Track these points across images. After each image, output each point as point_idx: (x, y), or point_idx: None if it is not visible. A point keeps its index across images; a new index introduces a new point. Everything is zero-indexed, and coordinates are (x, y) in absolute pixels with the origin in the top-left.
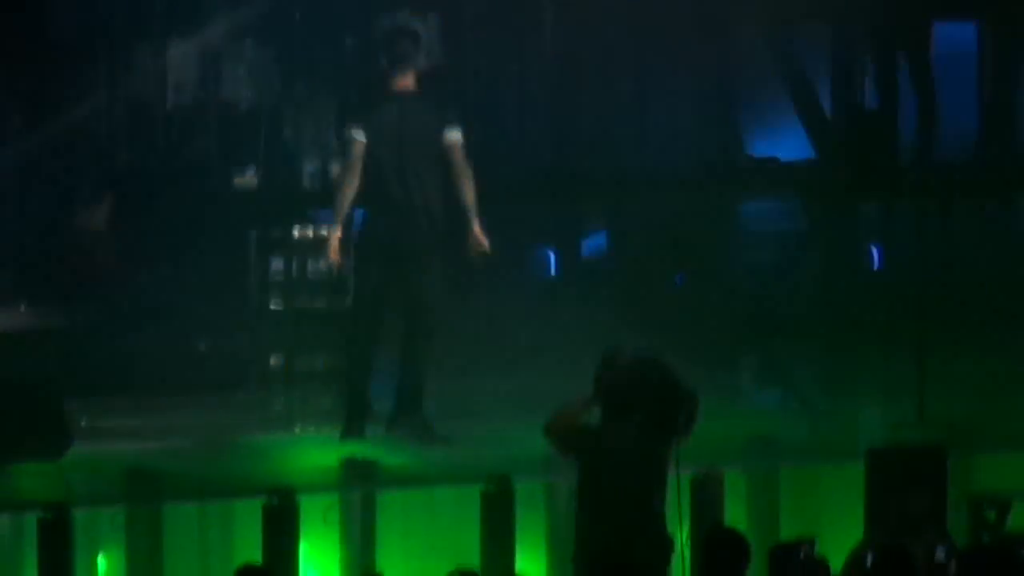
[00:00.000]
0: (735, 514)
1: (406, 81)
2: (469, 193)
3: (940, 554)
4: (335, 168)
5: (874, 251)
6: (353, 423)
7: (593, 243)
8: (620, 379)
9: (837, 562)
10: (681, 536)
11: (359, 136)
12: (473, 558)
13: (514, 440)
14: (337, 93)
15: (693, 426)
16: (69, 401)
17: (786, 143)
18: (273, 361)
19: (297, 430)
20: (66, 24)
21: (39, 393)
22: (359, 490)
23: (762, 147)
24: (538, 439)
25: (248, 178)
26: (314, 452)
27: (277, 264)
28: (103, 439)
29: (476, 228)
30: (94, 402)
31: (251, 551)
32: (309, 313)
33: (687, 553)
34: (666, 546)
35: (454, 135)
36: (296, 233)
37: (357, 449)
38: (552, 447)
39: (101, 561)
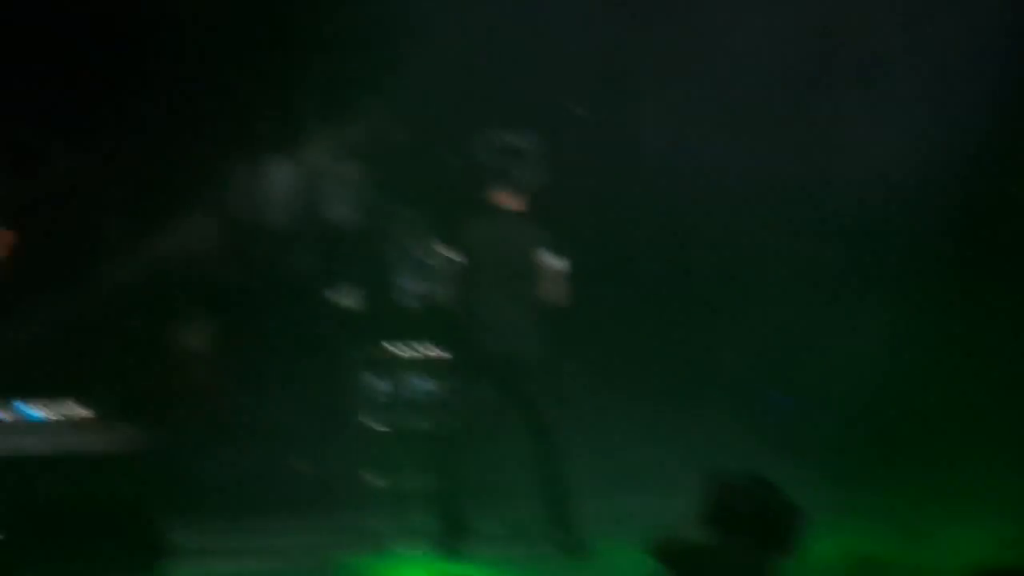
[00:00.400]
0: None
1: (509, 199)
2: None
3: None
4: (436, 286)
5: None
6: (451, 542)
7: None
8: (727, 498)
9: None
10: None
11: (454, 255)
12: None
13: (620, 560)
14: (438, 211)
15: (800, 546)
16: (165, 520)
17: None
18: (372, 480)
19: (395, 550)
20: (168, 141)
21: (135, 511)
22: None
23: None
24: (645, 559)
25: (349, 296)
26: (412, 572)
27: (376, 383)
28: (199, 558)
29: None
30: (191, 521)
31: None
32: (408, 432)
33: None
34: None
35: (555, 262)
36: (396, 352)
37: (455, 569)
38: (658, 568)
39: None
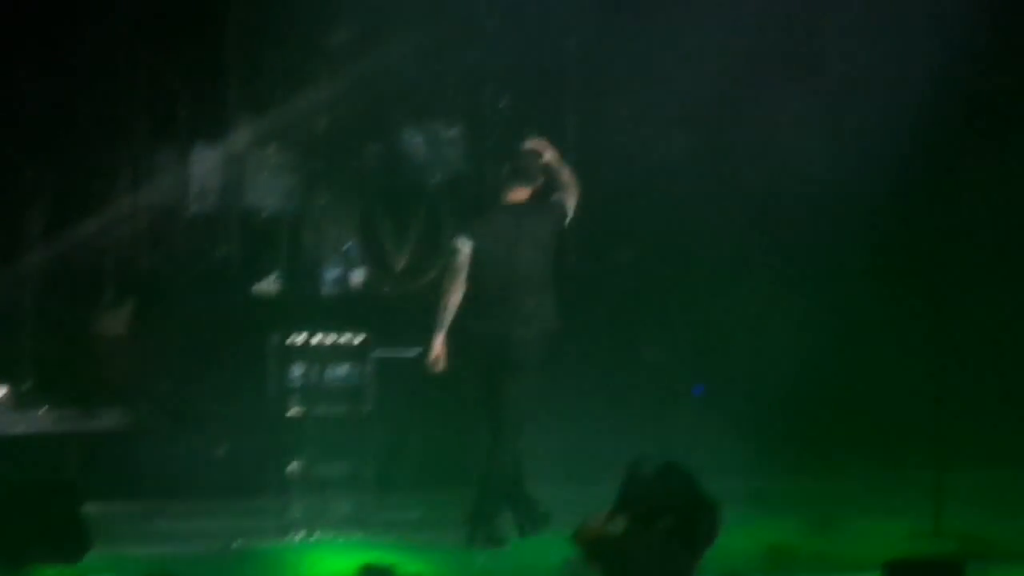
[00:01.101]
0: None
1: (523, 194)
2: None
3: None
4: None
5: None
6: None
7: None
8: (644, 488)
9: None
10: None
11: (465, 245)
12: None
13: (541, 548)
14: (359, 200)
15: (715, 536)
16: (88, 505)
17: None
18: (292, 467)
19: (316, 536)
20: (91, 126)
21: (58, 496)
22: None
23: None
24: (566, 548)
25: (269, 284)
26: (332, 558)
27: (297, 370)
28: (122, 543)
29: None
30: (113, 506)
31: None
32: (328, 420)
33: None
34: None
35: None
36: (316, 340)
37: (375, 555)
38: (578, 555)
39: None
